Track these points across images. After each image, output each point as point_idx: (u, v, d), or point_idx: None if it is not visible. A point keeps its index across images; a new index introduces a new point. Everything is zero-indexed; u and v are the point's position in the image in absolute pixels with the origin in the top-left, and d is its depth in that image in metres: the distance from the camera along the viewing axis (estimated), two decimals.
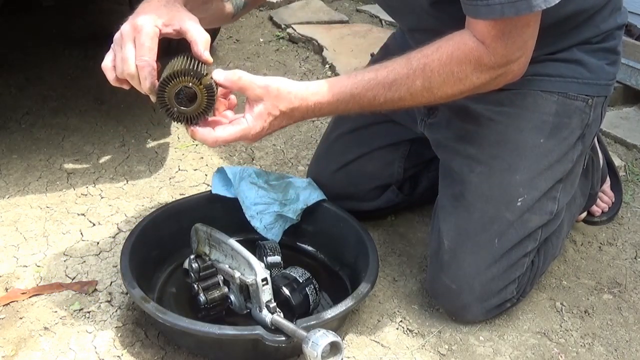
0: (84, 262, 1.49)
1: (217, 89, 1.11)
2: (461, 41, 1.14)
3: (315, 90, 1.15)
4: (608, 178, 1.72)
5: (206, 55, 1.11)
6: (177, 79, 1.06)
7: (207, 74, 1.08)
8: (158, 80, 1.08)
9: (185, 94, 1.07)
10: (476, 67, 1.14)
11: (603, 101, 1.35)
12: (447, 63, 1.14)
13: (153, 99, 1.09)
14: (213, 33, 2.57)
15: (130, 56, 1.08)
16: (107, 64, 1.12)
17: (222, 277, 1.30)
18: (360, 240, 1.40)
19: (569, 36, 1.29)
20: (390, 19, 3.03)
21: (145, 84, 1.08)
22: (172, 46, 1.18)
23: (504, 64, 1.14)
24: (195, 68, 1.07)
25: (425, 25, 1.27)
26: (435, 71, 1.14)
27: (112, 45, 1.12)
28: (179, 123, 1.11)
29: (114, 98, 2.20)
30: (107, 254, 1.52)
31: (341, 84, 1.16)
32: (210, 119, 1.14)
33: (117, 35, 1.11)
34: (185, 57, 1.12)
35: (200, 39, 1.11)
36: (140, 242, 1.36)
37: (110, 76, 1.12)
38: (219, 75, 1.11)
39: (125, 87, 1.13)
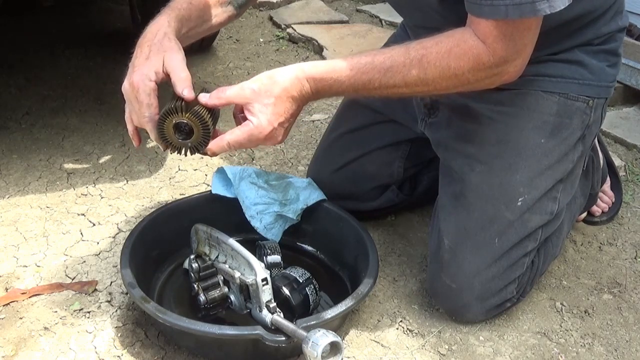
0: (84, 262, 1.49)
1: (208, 112, 1.17)
2: (461, 38, 1.14)
3: (309, 69, 1.17)
4: (608, 178, 1.72)
5: (185, 94, 1.16)
6: (167, 119, 1.15)
7: (191, 105, 1.16)
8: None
9: (183, 129, 1.15)
10: (473, 65, 1.14)
11: (603, 103, 1.35)
12: (445, 57, 1.14)
13: (162, 147, 1.18)
14: (213, 33, 2.57)
15: (135, 114, 1.19)
16: (127, 116, 1.23)
17: (222, 277, 1.30)
18: (360, 240, 1.40)
19: (571, 37, 1.29)
20: (391, 19, 3.03)
21: (152, 136, 1.18)
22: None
23: (501, 64, 1.15)
24: (180, 104, 1.15)
25: (431, 22, 1.28)
26: (432, 63, 1.15)
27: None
28: (194, 154, 1.18)
29: (114, 98, 2.20)
30: (107, 254, 1.52)
31: (336, 64, 1.18)
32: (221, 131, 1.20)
33: (123, 91, 1.20)
34: (175, 98, 1.18)
35: (178, 81, 1.17)
36: (140, 242, 1.36)
37: (129, 128, 1.23)
38: (204, 98, 1.17)
39: (136, 142, 1.24)
